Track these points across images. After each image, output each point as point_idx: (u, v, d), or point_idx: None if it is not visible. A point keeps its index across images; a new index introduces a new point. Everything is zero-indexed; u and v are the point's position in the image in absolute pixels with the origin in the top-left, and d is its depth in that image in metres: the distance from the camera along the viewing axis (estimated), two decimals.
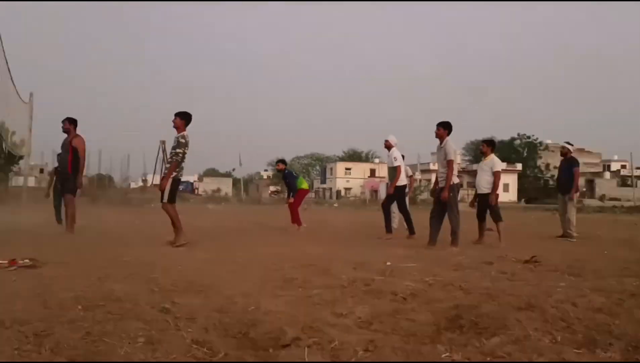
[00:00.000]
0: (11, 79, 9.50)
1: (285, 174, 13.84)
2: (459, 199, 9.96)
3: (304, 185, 13.90)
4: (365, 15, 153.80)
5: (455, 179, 9.54)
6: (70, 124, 10.38)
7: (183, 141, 8.79)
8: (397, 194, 11.57)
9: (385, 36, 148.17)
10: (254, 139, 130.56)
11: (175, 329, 3.37)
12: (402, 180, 11.56)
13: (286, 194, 14.55)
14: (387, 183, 12.47)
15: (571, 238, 11.63)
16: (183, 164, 8.91)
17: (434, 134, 9.74)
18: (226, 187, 75.63)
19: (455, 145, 10.20)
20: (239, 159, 62.68)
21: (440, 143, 9.64)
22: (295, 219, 13.30)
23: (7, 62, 8.42)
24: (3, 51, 7.80)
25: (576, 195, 12.32)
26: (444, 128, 9.64)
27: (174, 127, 8.93)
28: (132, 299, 4.12)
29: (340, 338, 3.20)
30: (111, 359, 2.77)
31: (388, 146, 11.78)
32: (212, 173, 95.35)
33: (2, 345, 2.96)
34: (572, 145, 12.52)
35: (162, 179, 9.05)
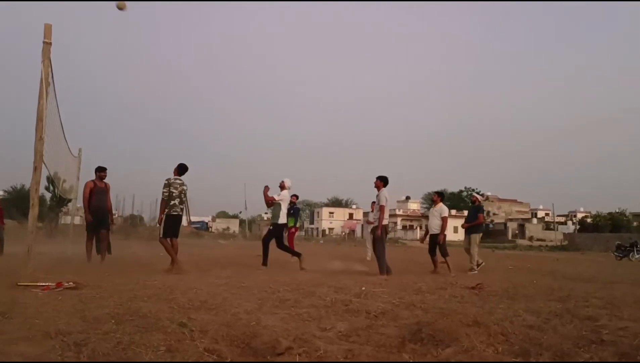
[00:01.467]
0: (64, 137, 9.43)
1: (295, 207, 13.66)
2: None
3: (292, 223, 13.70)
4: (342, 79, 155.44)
5: (385, 221, 9.48)
6: (97, 172, 10.09)
7: (166, 182, 8.67)
8: (276, 231, 10.41)
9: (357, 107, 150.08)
10: (256, 188, 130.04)
11: (190, 340, 3.28)
12: (282, 219, 10.36)
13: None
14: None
15: (473, 270, 10.76)
16: (175, 202, 8.63)
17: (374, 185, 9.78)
18: (234, 226, 75.15)
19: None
20: (245, 204, 62.59)
21: (378, 192, 9.67)
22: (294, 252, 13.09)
23: (61, 122, 8.35)
24: (58, 111, 7.76)
25: (478, 236, 11.33)
26: (381, 181, 9.71)
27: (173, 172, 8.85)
28: (155, 315, 4.02)
29: (324, 348, 3.14)
30: None
31: (281, 186, 10.49)
32: (223, 214, 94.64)
33: (48, 352, 2.87)
34: (482, 195, 12.27)
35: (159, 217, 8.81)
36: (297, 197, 13.93)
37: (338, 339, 3.54)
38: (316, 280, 7.37)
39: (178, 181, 8.69)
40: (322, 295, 5.59)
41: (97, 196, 9.90)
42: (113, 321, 3.75)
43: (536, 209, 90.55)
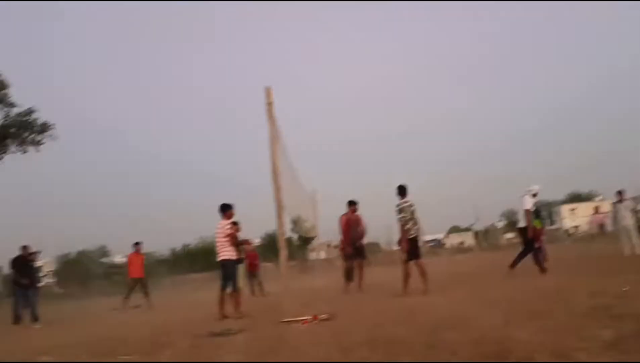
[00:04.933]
0: (299, 182, 10.34)
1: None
2: None
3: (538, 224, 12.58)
4: None
5: None
6: (349, 206, 10.92)
7: (397, 208, 8.75)
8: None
9: None
10: (487, 197, 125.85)
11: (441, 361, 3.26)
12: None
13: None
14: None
15: None
16: (408, 226, 8.65)
17: None
18: (469, 239, 73.50)
19: None
20: (476, 217, 61.27)
21: None
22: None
23: (293, 169, 9.16)
24: (288, 160, 8.53)
25: None
26: None
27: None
28: (403, 339, 4.11)
29: (588, 360, 2.82)
30: None
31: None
32: (455, 229, 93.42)
33: None
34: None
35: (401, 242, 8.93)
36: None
37: (604, 350, 3.16)
38: (566, 285, 6.77)
39: (406, 204, 8.83)
40: (577, 302, 5.10)
41: (353, 228, 10.76)
42: (366, 348, 3.93)
43: None
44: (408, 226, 8.73)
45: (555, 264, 11.56)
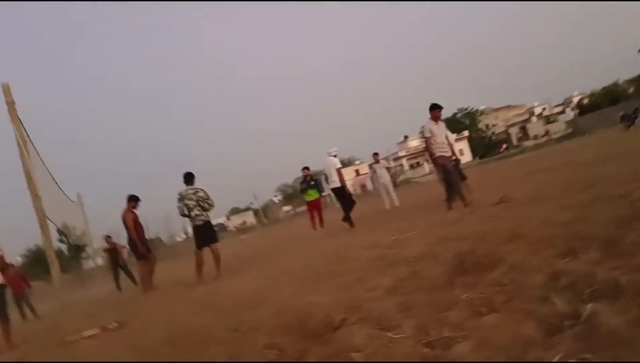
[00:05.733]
0: (59, 187, 9.35)
1: (314, 179, 13.36)
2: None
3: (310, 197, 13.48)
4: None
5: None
6: (129, 201, 9.68)
7: (178, 196, 8.53)
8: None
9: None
10: (260, 173, 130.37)
11: (247, 342, 3.28)
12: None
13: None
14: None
15: None
16: (195, 212, 8.47)
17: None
18: (250, 218, 75.53)
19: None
20: (253, 195, 63.18)
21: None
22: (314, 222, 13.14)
23: (50, 173, 8.25)
24: (44, 163, 7.65)
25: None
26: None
27: None
28: (206, 328, 4.03)
29: (378, 308, 3.12)
30: None
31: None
32: (236, 210, 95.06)
33: None
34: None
35: None
36: (308, 169, 13.53)
37: (387, 295, 3.52)
38: (345, 243, 7.37)
39: (190, 191, 8.56)
40: (358, 257, 5.58)
41: (140, 226, 9.73)
42: (168, 347, 3.75)
43: (532, 107, 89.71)
44: (194, 212, 8.51)
45: (331, 226, 12.55)
